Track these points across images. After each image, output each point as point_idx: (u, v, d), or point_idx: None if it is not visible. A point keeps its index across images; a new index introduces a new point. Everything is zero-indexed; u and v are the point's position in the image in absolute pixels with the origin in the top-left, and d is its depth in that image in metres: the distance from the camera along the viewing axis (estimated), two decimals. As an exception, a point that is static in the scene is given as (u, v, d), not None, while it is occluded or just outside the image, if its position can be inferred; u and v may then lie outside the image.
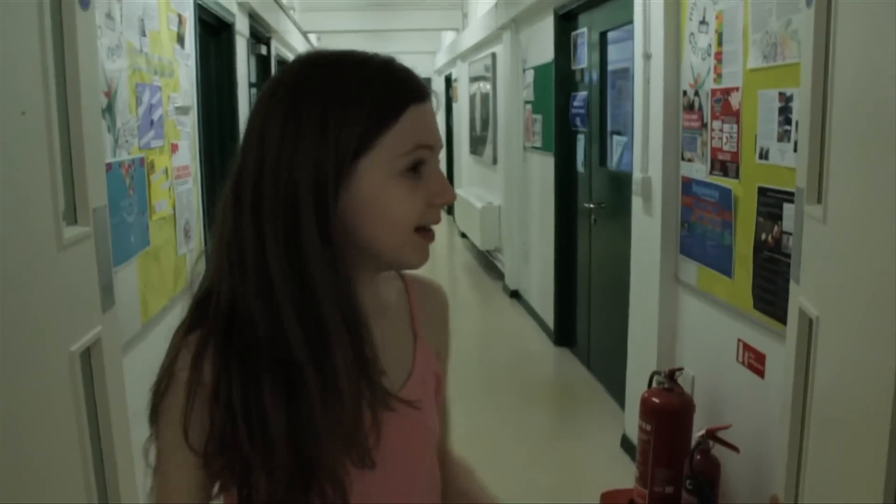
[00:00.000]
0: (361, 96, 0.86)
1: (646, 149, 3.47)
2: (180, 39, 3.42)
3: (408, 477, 1.01)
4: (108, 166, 2.45)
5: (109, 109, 2.49)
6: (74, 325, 1.76)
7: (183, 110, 3.39)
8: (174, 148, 3.28)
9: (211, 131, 4.71)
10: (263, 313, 0.87)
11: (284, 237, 0.86)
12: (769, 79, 2.43)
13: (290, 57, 8.48)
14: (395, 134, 0.87)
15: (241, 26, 5.08)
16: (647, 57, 3.42)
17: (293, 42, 8.19)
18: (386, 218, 0.89)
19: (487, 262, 8.67)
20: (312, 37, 11.25)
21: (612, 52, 4.53)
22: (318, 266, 0.86)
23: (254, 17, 5.53)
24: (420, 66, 13.32)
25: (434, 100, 0.92)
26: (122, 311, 2.58)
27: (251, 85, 5.74)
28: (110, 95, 2.50)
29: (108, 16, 2.49)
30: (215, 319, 0.90)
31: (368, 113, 0.86)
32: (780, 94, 2.35)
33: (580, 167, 5.17)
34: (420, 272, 1.05)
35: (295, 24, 8.18)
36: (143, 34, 2.88)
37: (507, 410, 4.56)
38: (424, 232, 0.92)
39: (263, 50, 6.42)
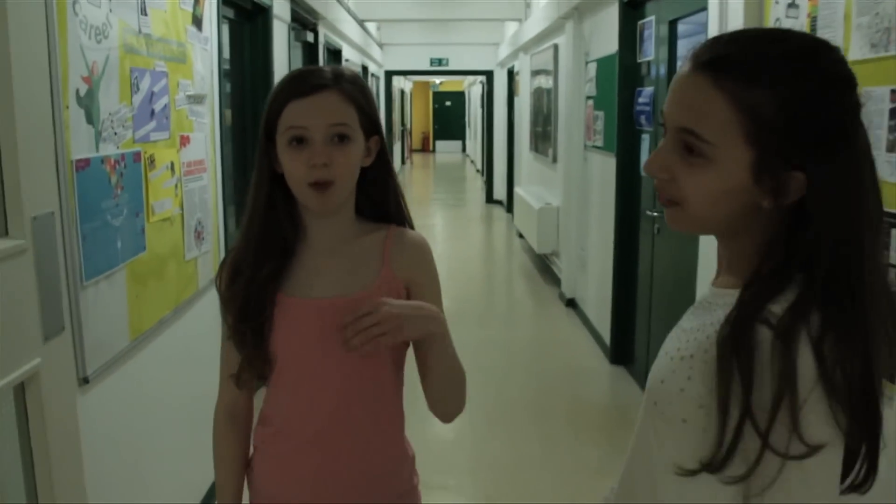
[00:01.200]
0: (271, 98, 1.37)
1: (718, 153, 3.01)
2: (196, 21, 3.09)
3: (341, 354, 1.34)
4: (86, 163, 2.13)
5: (90, 97, 2.16)
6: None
7: (196, 99, 3.06)
8: (184, 140, 2.95)
9: (244, 123, 4.40)
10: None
11: (256, 169, 1.42)
12: (878, 73, 1.96)
13: (342, 46, 8.17)
14: (282, 120, 1.35)
15: (281, 10, 4.75)
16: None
17: (346, 31, 7.87)
18: (287, 175, 1.36)
19: (544, 266, 8.23)
20: (371, 26, 10.93)
21: (685, 47, 4.06)
22: (259, 191, 1.41)
23: (296, 2, 5.19)
24: (481, 58, 12.89)
25: (328, 91, 1.35)
26: (105, 326, 2.26)
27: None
28: (92, 81, 2.17)
29: (91, -11, 2.15)
30: None
31: (269, 108, 1.37)
32: (893, 91, 1.89)
33: (643, 171, 4.69)
34: (411, 231, 1.50)
35: (348, 10, 7.86)
36: (144, 13, 2.54)
37: (554, 438, 4.14)
38: (316, 186, 1.33)
39: (310, 37, 6.09)
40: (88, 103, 2.15)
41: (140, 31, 2.51)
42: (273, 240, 1.38)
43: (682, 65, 0.98)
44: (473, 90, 22.86)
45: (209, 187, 3.26)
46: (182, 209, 2.93)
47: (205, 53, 3.20)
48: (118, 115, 2.34)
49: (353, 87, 1.36)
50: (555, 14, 6.70)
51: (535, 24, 8.21)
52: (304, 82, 1.34)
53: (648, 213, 4.49)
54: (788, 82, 0.91)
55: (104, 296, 2.25)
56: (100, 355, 2.23)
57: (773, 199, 0.93)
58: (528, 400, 4.73)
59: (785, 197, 0.93)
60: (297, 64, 5.87)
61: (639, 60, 4.74)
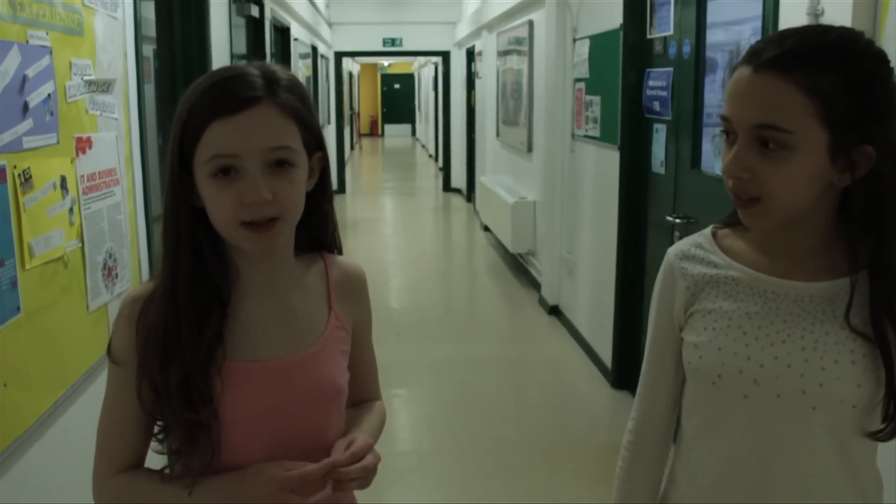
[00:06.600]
0: (181, 116, 1.09)
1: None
2: (99, -22, 2.24)
3: (298, 417, 1.18)
4: None
5: None
6: None
7: (101, 86, 2.22)
8: (83, 145, 2.11)
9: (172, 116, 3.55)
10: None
11: (169, 207, 1.13)
12: None
13: (290, 23, 7.28)
14: (202, 146, 1.07)
15: (218, -25, 3.89)
16: (816, 16, 2.22)
17: (295, 6, 6.98)
18: (211, 213, 1.11)
19: (518, 266, 7.48)
20: (320, 2, 10.02)
21: (719, 12, 3.33)
22: (179, 237, 1.13)
23: (237, -34, 4.33)
24: (437, 38, 12.06)
25: (262, 105, 1.07)
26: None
27: (237, 57, 4.55)
28: None
29: None
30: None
31: (184, 128, 1.08)
32: None
33: (658, 167, 3.96)
34: (345, 257, 1.32)
35: (296, -16, 6.97)
36: (8, -42, 1.70)
37: (540, 489, 3.38)
38: (252, 226, 1.09)
39: (255, 11, 5.21)
40: None
41: (0, -14, 1.67)
42: (207, 294, 1.14)
43: (736, 69, 1.06)
44: (424, 72, 22.01)
45: (124, 205, 2.42)
46: (82, 241, 2.09)
47: (113, 24, 2.35)
48: (-38, 114, 1.51)
49: (292, 97, 1.12)
50: (532, -14, 5.94)
51: (505, -2, 7.43)
52: (229, 94, 1.08)
53: (668, 218, 3.75)
54: (846, 65, 1.02)
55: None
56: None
57: (849, 175, 1.05)
58: (506, 436, 3.91)
59: (859, 171, 1.04)
60: (241, 44, 5.01)
61: (650, 36, 4.00)
